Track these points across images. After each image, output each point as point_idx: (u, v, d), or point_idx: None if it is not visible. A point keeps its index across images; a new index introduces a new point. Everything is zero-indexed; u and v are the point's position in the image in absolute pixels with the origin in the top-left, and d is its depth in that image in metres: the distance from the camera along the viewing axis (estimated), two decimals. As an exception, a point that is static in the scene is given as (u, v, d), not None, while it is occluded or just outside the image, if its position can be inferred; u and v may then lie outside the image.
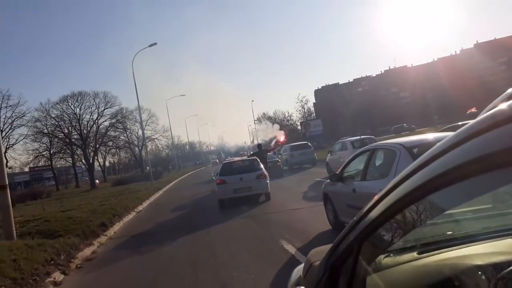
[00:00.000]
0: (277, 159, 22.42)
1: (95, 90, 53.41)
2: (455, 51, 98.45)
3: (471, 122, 0.74)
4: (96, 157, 49.85)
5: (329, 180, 7.42)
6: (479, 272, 1.08)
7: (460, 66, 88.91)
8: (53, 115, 46.18)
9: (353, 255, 1.18)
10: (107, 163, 65.05)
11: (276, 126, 28.16)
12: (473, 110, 38.84)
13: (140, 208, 16.01)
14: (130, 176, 48.42)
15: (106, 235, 10.35)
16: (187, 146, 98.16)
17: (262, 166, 13.42)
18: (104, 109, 48.74)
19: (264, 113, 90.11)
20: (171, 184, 31.21)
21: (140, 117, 38.58)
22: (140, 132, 50.07)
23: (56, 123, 46.25)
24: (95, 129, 47.91)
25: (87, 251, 8.53)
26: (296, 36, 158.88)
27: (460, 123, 11.68)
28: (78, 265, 7.56)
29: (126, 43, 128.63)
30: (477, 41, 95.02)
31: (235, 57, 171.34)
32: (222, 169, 13.61)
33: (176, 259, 7.00)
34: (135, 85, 32.12)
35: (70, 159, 48.79)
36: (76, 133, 47.07)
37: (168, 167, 69.13)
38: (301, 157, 24.49)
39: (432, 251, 1.33)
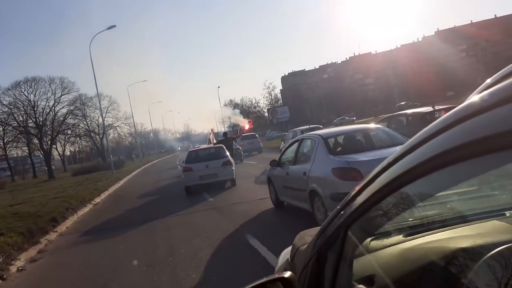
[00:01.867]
0: (239, 147, 23.79)
1: (50, 76, 50.47)
2: (418, 38, 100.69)
3: (455, 108, 0.73)
4: (54, 146, 47.60)
5: (270, 166, 8.23)
6: (465, 254, 1.08)
7: (422, 53, 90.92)
8: (5, 102, 43.44)
9: (340, 239, 1.16)
10: (67, 152, 62.58)
11: (236, 111, 30.40)
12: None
13: (97, 200, 15.07)
14: (91, 166, 46.39)
15: (57, 231, 9.47)
16: (151, 134, 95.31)
17: (228, 153, 13.52)
18: (61, 96, 46.09)
19: (231, 100, 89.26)
20: (131, 174, 29.96)
21: (100, 104, 37.10)
22: (100, 119, 48.02)
23: (9, 110, 43.54)
24: (52, 116, 45.41)
25: (32, 251, 7.67)
26: (262, 22, 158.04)
27: (398, 112, 12.17)
28: (20, 268, 6.74)
29: (83, 26, 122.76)
30: (438, 28, 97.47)
31: (200, 42, 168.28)
32: (189, 157, 13.62)
33: (131, 258, 6.30)
34: (93, 70, 30.50)
35: (26, 148, 46.35)
36: (31, 121, 44.55)
37: (132, 155, 67.18)
38: (249, 146, 28.28)
39: (418, 233, 1.35)
